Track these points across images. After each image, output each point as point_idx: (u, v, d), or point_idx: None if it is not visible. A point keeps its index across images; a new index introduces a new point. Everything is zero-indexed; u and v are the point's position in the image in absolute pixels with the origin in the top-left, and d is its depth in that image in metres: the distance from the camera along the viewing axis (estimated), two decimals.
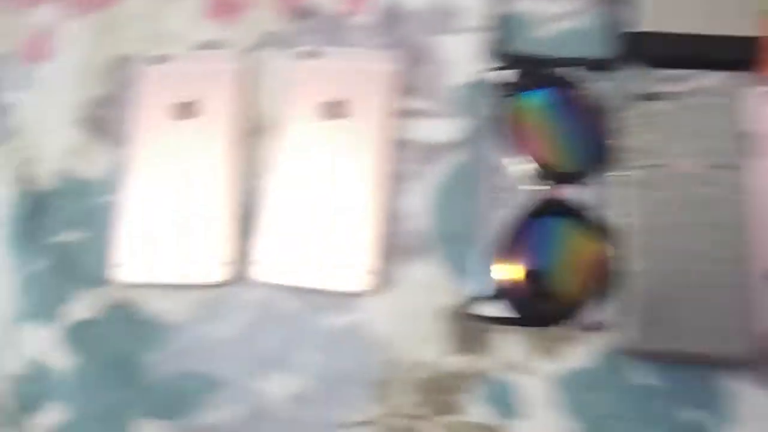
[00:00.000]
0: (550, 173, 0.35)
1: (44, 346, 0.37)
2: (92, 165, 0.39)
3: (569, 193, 0.35)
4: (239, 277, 0.36)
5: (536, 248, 0.34)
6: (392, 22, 0.39)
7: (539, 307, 0.34)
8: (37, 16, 0.42)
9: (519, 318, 0.34)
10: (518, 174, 0.35)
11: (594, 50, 0.37)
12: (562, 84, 0.37)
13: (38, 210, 0.39)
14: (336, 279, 0.35)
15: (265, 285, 0.36)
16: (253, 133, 0.39)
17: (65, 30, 0.42)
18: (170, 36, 0.41)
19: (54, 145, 0.40)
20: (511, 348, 0.34)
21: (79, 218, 0.38)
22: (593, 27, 0.38)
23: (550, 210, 0.35)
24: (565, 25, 0.38)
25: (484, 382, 0.34)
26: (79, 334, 0.37)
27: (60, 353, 0.36)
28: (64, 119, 0.40)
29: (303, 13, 0.40)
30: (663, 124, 0.35)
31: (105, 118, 0.40)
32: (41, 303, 0.37)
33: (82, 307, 0.37)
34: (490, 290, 0.34)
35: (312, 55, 0.39)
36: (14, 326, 0.37)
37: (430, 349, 0.34)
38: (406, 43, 0.39)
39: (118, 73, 0.40)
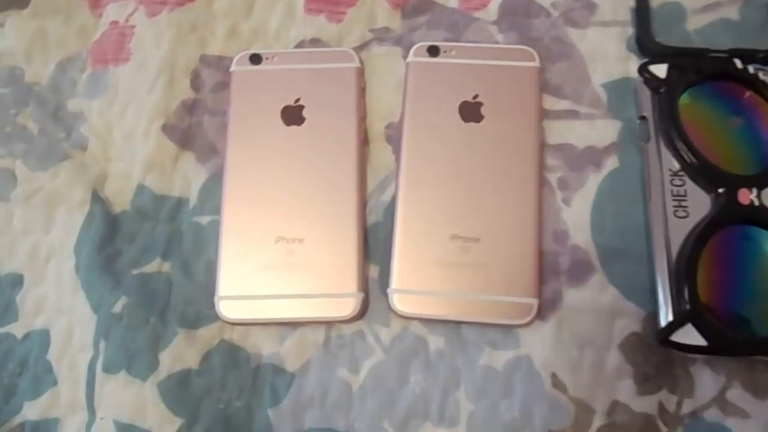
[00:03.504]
0: (726, 177, 0.31)
1: (134, 405, 0.29)
2: (180, 181, 0.33)
3: (752, 198, 0.31)
4: (372, 311, 0.30)
5: (730, 263, 0.30)
6: (521, 16, 0.35)
7: (741, 333, 0.29)
8: (109, 14, 0.36)
9: (717, 346, 0.29)
10: (691, 179, 0.31)
11: (748, 42, 0.34)
12: (726, 78, 0.33)
13: (117, 235, 0.32)
14: (492, 309, 0.30)
15: (405, 319, 0.30)
16: (371, 141, 0.33)
17: (142, 29, 0.36)
18: (265, 33, 0.35)
19: (133, 159, 0.33)
20: (711, 383, 0.29)
21: (167, 244, 0.32)
22: (747, 17, 0.35)
23: (736, 219, 0.30)
24: (717, 15, 0.34)
25: (685, 426, 0.28)
26: (176, 389, 0.30)
27: (154, 414, 0.29)
28: (144, 129, 0.34)
29: (417, 7, 0.36)
30: None
31: (192, 127, 0.34)
32: (125, 351, 0.30)
33: (176, 354, 0.30)
34: (681, 314, 0.29)
35: (434, 52, 0.35)
36: (95, 381, 0.30)
37: (615, 389, 0.28)
38: (537, 39, 0.34)
39: (205, 76, 0.35)
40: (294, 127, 0.33)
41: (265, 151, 0.33)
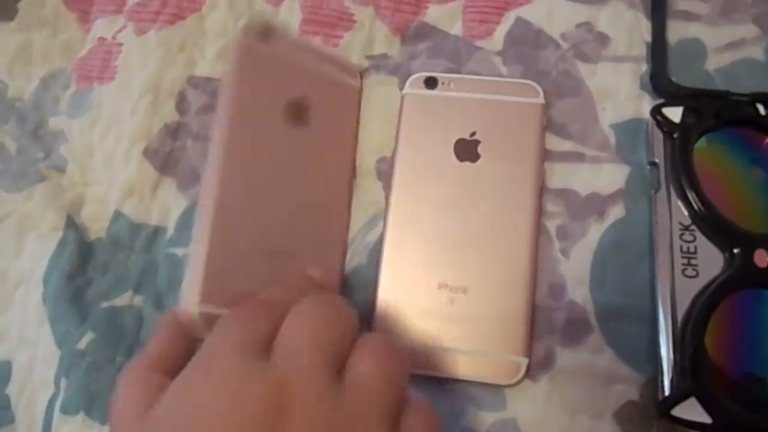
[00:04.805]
0: (743, 235, 0.28)
1: None
2: (158, 209, 0.32)
3: None
4: None
5: (742, 331, 0.27)
6: (529, 47, 0.33)
7: (751, 411, 0.26)
8: (97, 29, 0.35)
9: (723, 425, 0.26)
10: (702, 235, 0.29)
11: None
12: (747, 124, 0.31)
13: (89, 264, 0.31)
14: (477, 366, 0.27)
15: None
16: (360, 175, 0.31)
17: (129, 46, 0.35)
18: None
19: (111, 184, 0.32)
20: None
21: (140, 276, 0.30)
22: None
23: (751, 282, 0.28)
24: (740, 55, 0.32)
25: None
26: None
27: None
28: (125, 152, 0.32)
29: (418, 33, 0.34)
30: None
31: (174, 152, 0.32)
32: (86, 391, 0.29)
33: None
34: (684, 387, 0.27)
35: (432, 84, 0.33)
36: (52, 421, 0.28)
37: None
38: (544, 72, 0.32)
39: (191, 98, 0.33)
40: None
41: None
